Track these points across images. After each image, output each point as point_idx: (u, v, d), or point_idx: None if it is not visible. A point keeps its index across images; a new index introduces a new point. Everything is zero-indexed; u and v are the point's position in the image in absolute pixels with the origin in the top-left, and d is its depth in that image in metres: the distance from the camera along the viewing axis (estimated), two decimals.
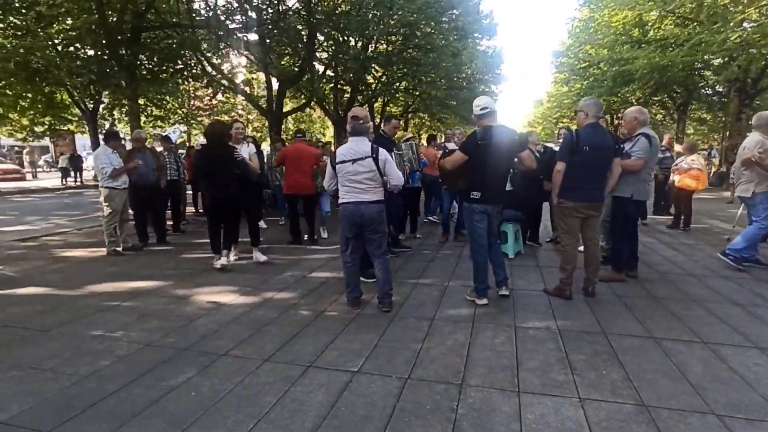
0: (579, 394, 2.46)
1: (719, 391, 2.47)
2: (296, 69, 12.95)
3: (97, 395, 2.52)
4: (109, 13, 8.87)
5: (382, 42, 11.17)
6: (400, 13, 9.03)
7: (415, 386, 2.57)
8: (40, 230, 8.33)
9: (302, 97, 16.42)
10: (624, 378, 2.63)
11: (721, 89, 17.36)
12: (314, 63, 13.62)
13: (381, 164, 3.74)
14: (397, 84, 15.01)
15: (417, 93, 17.12)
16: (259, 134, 26.28)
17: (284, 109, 13.59)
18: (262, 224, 8.32)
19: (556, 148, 6.82)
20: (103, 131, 21.16)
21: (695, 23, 12.94)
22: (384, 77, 14.52)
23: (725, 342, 3.13)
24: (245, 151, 5.46)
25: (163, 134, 7.79)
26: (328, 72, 14.90)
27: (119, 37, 8.46)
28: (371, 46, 12.34)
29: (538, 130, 42.09)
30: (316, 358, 2.95)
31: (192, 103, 26.15)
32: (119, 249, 6.24)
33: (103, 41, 9.00)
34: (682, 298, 4.06)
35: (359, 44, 13.15)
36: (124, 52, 8.67)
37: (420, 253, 6.03)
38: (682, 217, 7.46)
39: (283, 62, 13.45)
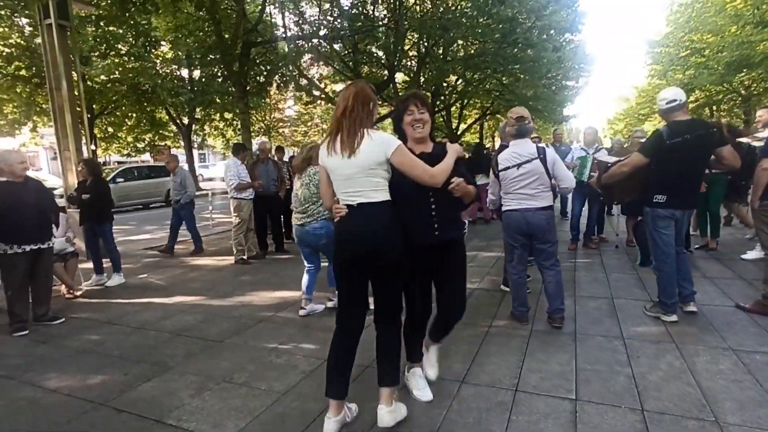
0: None
1: None
2: (385, 77, 12.95)
3: (306, 416, 2.42)
4: (223, 30, 9.34)
5: (475, 41, 10.82)
6: (501, 8, 8.65)
7: (659, 421, 2.22)
8: (160, 239, 8.84)
9: (384, 105, 16.50)
10: None
11: None
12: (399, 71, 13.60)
13: (549, 165, 3.43)
14: (483, 84, 14.54)
15: (498, 93, 16.56)
16: None
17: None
18: None
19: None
20: (195, 144, 22.68)
21: None
22: (468, 78, 14.11)
23: None
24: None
25: (276, 145, 8.01)
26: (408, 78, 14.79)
27: (232, 53, 8.86)
28: (460, 47, 12.04)
29: (621, 128, 39.43)
30: (518, 381, 2.68)
31: (272, 114, 27.26)
32: (245, 257, 6.40)
33: (217, 56, 9.51)
34: None
35: (443, 47, 12.98)
36: (237, 67, 9.06)
37: None
38: None
39: (371, 70, 13.52)
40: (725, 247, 5.75)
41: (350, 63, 12.13)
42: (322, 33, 10.21)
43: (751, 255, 5.19)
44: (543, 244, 3.52)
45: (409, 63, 13.52)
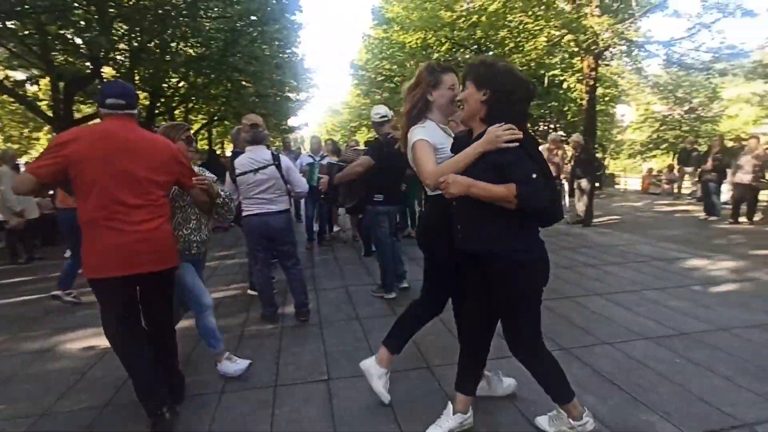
0: None
1: None
2: (88, 70, 10.90)
3: None
4: None
5: (197, 44, 10.31)
6: (225, 17, 8.50)
7: (396, 378, 2.72)
8: None
9: (87, 104, 13.90)
10: None
11: None
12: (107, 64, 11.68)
13: (284, 171, 3.68)
14: (209, 89, 13.99)
15: (224, 100, 16.26)
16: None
17: (75, 116, 11.31)
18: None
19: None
20: None
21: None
22: (191, 81, 13.36)
23: None
24: None
25: None
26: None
27: None
28: (181, 47, 11.22)
29: (337, 138, 44.59)
30: (276, 376, 2.80)
31: None
32: None
33: None
34: None
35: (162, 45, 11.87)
36: None
37: None
38: None
39: (68, 59, 11.09)
40: None
41: (35, 47, 9.69)
42: None
43: None
44: (284, 245, 3.74)
45: (119, 57, 11.75)
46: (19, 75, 11.57)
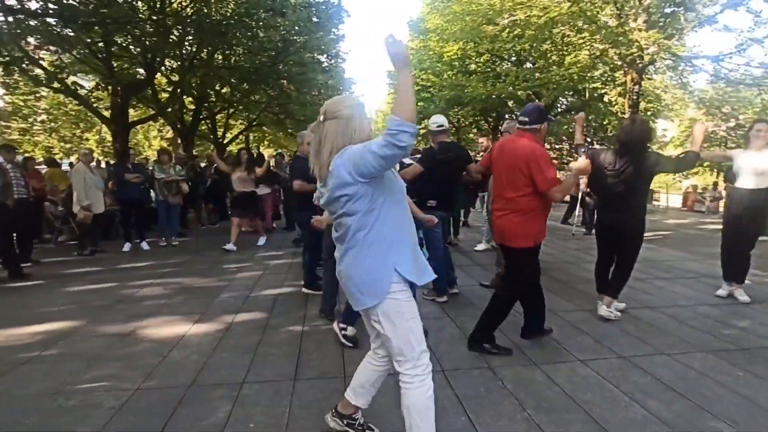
0: None
1: None
2: (142, 76, 11.55)
3: None
4: None
5: (250, 53, 10.76)
6: (279, 26, 8.93)
7: (454, 374, 2.85)
8: None
9: (142, 107, 14.66)
10: None
11: None
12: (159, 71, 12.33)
13: None
14: (252, 95, 14.52)
15: (265, 105, 16.79)
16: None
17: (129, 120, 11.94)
18: (144, 245, 7.36)
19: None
20: None
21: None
22: (239, 88, 13.89)
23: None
24: None
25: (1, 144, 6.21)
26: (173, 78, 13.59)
27: None
28: (236, 56, 11.75)
29: None
30: (344, 369, 2.97)
31: None
32: None
33: None
34: None
35: (221, 54, 12.45)
36: None
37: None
38: None
39: (123, 66, 11.77)
40: (463, 243, 7.45)
41: (101, 54, 10.34)
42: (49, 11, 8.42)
43: (480, 247, 6.88)
44: None
45: (171, 64, 12.38)
46: (81, 80, 12.37)
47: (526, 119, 3.03)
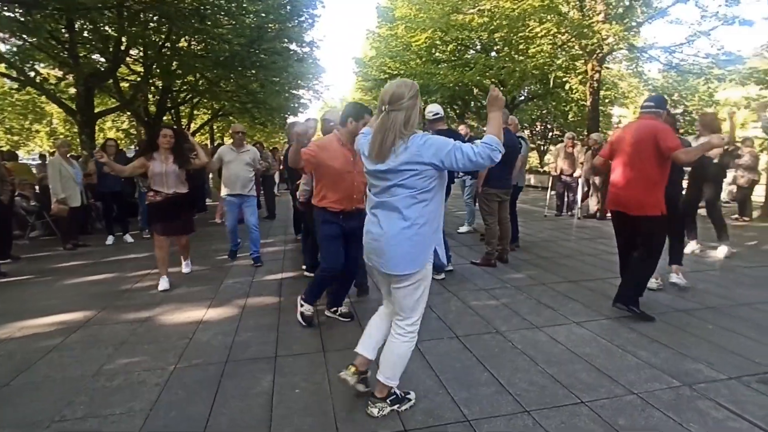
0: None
1: None
2: (105, 65, 11.14)
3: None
4: None
5: (224, 41, 10.57)
6: (253, 12, 8.82)
7: (468, 338, 3.17)
8: None
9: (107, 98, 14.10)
10: None
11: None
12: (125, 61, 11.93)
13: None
14: (223, 85, 14.24)
15: (232, 95, 16.46)
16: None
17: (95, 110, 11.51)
18: (128, 238, 7.29)
19: None
20: None
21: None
22: (210, 77, 13.59)
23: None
24: None
25: None
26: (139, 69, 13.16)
27: None
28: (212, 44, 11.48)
29: None
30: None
31: None
32: None
33: None
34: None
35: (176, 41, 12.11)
36: None
37: None
38: None
39: (86, 56, 11.29)
40: (445, 227, 7.79)
41: (66, 43, 9.90)
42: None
43: (463, 229, 7.26)
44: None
45: (138, 53, 11.95)
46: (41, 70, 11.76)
47: (652, 104, 3.52)
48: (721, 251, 5.45)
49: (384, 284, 2.32)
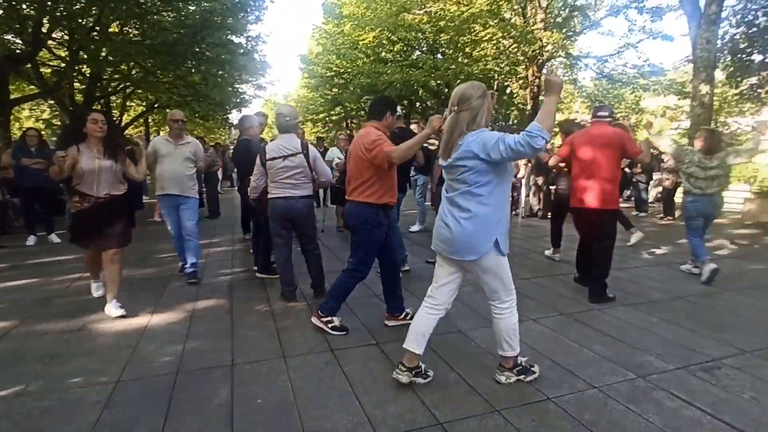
0: None
1: None
2: (19, 50, 10.10)
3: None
4: None
5: (162, 29, 9.88)
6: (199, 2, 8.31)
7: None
8: None
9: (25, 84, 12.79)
10: None
11: (431, 104, 22.48)
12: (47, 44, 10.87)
13: (311, 160, 3.95)
14: (158, 75, 13.37)
15: (169, 86, 15.54)
16: None
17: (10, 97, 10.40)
18: (54, 238, 6.64)
19: None
20: None
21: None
22: (147, 67, 12.71)
23: None
24: None
25: None
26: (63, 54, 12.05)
27: None
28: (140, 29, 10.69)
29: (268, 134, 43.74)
30: (329, 344, 3.11)
31: None
32: None
33: None
34: None
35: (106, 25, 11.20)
36: None
37: None
38: None
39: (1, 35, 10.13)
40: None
41: None
42: None
43: (414, 228, 7.29)
44: (305, 229, 4.00)
45: (62, 36, 10.92)
46: None
47: (606, 113, 4.11)
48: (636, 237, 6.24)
49: (444, 275, 2.48)
